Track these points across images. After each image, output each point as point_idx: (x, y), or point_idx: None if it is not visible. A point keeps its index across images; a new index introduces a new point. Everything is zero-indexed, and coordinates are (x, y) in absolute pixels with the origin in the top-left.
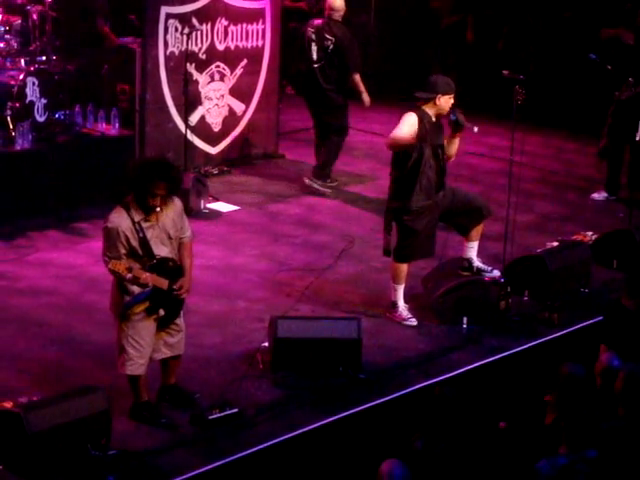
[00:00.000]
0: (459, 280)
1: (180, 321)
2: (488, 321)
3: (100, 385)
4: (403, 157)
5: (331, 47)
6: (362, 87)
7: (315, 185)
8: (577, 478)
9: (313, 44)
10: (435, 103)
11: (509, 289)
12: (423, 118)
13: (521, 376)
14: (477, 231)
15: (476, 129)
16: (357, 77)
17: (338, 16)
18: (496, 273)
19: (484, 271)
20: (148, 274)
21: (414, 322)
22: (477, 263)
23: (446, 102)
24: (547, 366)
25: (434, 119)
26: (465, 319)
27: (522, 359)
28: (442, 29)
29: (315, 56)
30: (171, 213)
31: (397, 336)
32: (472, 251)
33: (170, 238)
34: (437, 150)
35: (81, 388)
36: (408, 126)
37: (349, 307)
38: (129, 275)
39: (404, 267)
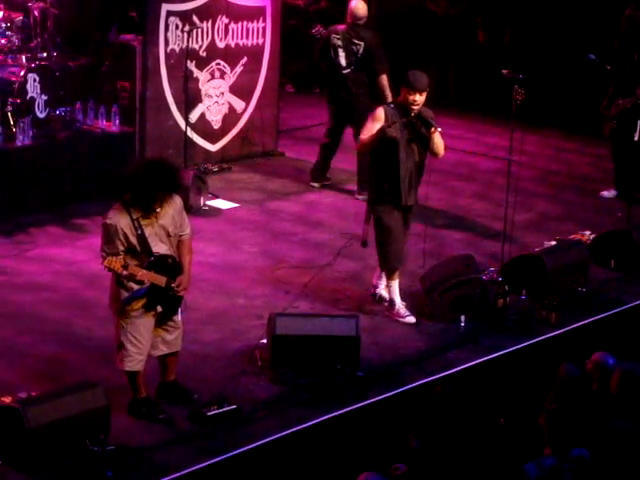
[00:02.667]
0: (457, 279)
1: (178, 318)
2: (486, 320)
3: (99, 381)
4: (377, 149)
5: (361, 51)
6: (388, 90)
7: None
8: (564, 479)
9: (340, 50)
10: (402, 96)
11: (507, 288)
12: (392, 111)
13: (518, 375)
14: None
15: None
16: (385, 78)
17: (362, 22)
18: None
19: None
20: (144, 271)
21: (412, 319)
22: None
23: (405, 96)
24: (544, 365)
25: (410, 113)
26: (463, 318)
27: (519, 358)
28: (440, 21)
29: (344, 62)
30: (170, 210)
31: (395, 334)
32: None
33: (169, 235)
34: (410, 144)
35: (80, 384)
36: (371, 122)
37: (348, 305)
38: (125, 272)
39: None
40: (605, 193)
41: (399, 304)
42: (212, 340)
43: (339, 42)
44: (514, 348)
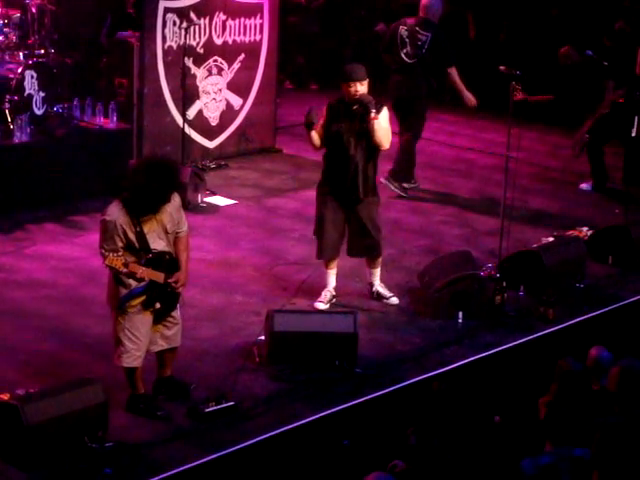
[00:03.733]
0: (455, 275)
1: (176, 314)
2: (483, 316)
3: (97, 377)
4: (325, 142)
5: (427, 44)
6: (460, 82)
7: (391, 186)
8: (561, 477)
9: (406, 41)
10: (343, 91)
11: (504, 284)
12: (335, 106)
13: (516, 371)
14: (372, 261)
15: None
16: (454, 71)
17: (433, 16)
18: (394, 301)
19: (384, 297)
20: (144, 269)
21: (321, 306)
22: (377, 287)
23: (346, 90)
24: (542, 361)
25: (353, 106)
26: (460, 314)
27: (517, 354)
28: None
29: (410, 53)
30: (169, 207)
31: (393, 330)
32: (373, 277)
33: (167, 232)
34: (358, 137)
35: (78, 380)
36: (317, 119)
37: (345, 301)
38: (125, 270)
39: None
40: (584, 186)
41: (327, 289)
42: (210, 337)
43: (406, 34)
44: (512, 344)
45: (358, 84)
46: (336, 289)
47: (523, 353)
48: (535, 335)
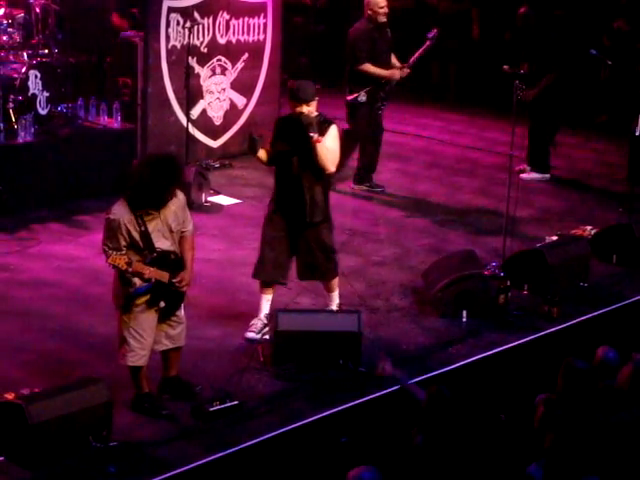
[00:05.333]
0: (459, 274)
1: (181, 313)
2: (488, 315)
3: (102, 377)
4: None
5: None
6: (380, 71)
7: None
8: None
9: None
10: (291, 109)
11: (509, 283)
12: (283, 122)
13: (520, 370)
14: (326, 284)
15: (315, 136)
16: (367, 67)
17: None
18: None
19: None
20: (150, 269)
21: (251, 335)
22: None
23: (292, 109)
24: (546, 360)
25: (304, 125)
26: (465, 313)
27: (521, 353)
28: (440, 17)
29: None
30: (173, 206)
31: (397, 329)
32: (329, 300)
33: (172, 231)
34: (295, 157)
35: (83, 380)
36: (260, 143)
37: (349, 300)
38: (129, 269)
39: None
40: (525, 176)
41: (259, 317)
42: (214, 336)
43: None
44: (516, 343)
45: (304, 105)
46: (267, 317)
47: (527, 352)
48: (539, 334)
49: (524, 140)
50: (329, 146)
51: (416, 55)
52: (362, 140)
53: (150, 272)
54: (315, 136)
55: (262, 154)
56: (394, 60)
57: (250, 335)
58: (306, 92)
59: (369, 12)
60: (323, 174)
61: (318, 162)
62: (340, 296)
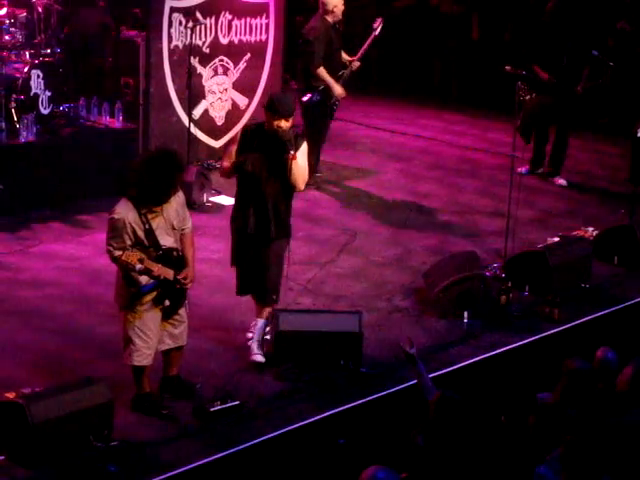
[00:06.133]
0: (460, 275)
1: (183, 312)
2: (489, 316)
3: (103, 376)
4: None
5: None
6: (330, 79)
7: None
8: None
9: None
10: (266, 120)
11: (510, 284)
12: (251, 132)
13: (521, 371)
14: (261, 308)
15: (292, 153)
16: (320, 71)
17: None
18: (258, 358)
19: (251, 351)
20: (159, 265)
21: (260, 359)
22: (253, 341)
23: (269, 121)
24: (547, 361)
25: (271, 139)
26: (466, 314)
27: (522, 354)
28: (441, 19)
29: None
30: (175, 204)
31: (398, 330)
32: (255, 327)
33: (174, 229)
34: (272, 172)
35: (84, 379)
36: (232, 144)
37: (350, 301)
38: (140, 266)
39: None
40: (522, 170)
41: (253, 340)
42: (216, 336)
43: None
44: (517, 344)
45: (283, 120)
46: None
47: (528, 353)
48: (540, 335)
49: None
50: (301, 164)
51: (364, 47)
52: (319, 139)
53: (159, 269)
54: (292, 153)
55: (226, 165)
56: (344, 55)
57: (258, 359)
58: (287, 106)
59: (327, 10)
60: (291, 190)
61: (291, 179)
62: (341, 296)
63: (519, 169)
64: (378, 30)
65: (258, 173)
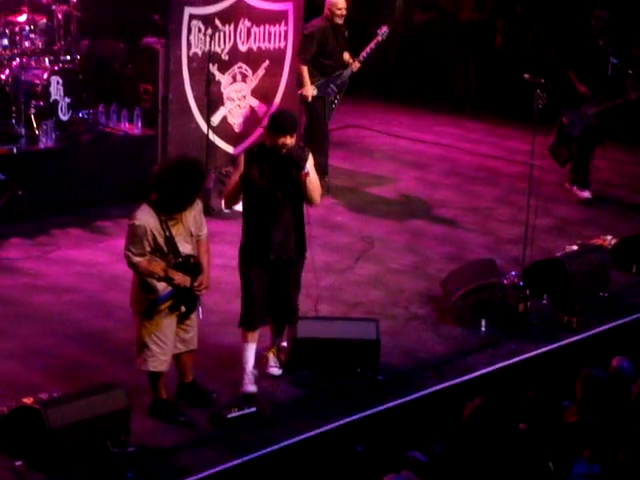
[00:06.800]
0: (478, 283)
1: (194, 316)
2: (507, 324)
3: (120, 382)
4: (244, 198)
5: None
6: (305, 79)
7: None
8: None
9: None
10: (269, 139)
11: (528, 292)
12: (255, 154)
13: (539, 379)
14: (283, 329)
15: (307, 170)
16: (301, 68)
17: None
18: (275, 371)
19: (268, 364)
20: (180, 274)
21: (252, 389)
22: (269, 353)
23: (272, 139)
24: (566, 370)
25: (279, 158)
26: (483, 322)
27: (540, 363)
28: (462, 27)
29: None
30: (193, 211)
31: (415, 338)
32: (273, 343)
33: (192, 235)
34: (283, 191)
35: (101, 385)
36: (234, 170)
37: (368, 308)
38: (162, 275)
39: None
40: (585, 194)
41: (247, 371)
42: (233, 343)
43: None
44: (535, 353)
45: (288, 137)
46: (255, 366)
47: (547, 362)
48: (559, 344)
49: (545, 149)
50: (313, 178)
51: (366, 50)
52: (318, 136)
53: (179, 277)
54: (305, 171)
55: (234, 191)
56: (347, 57)
57: (250, 388)
58: (291, 122)
59: (327, 12)
60: (303, 206)
61: (307, 196)
62: (358, 304)
63: (583, 194)
64: (382, 36)
65: (273, 196)
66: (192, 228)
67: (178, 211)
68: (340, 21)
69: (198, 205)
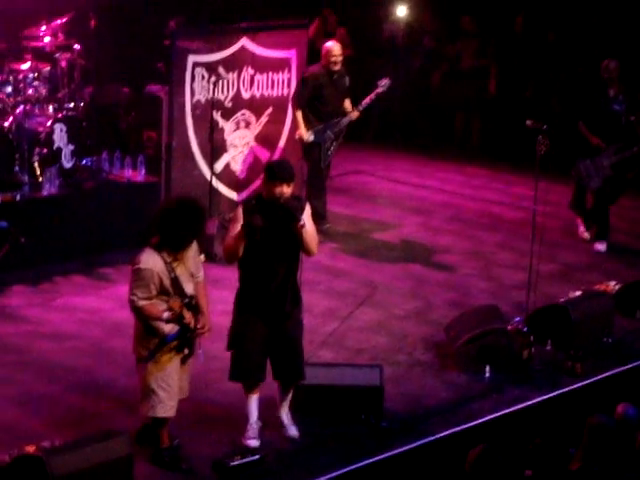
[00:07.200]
0: (482, 328)
1: (189, 362)
2: (511, 370)
3: (122, 430)
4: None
5: None
6: (300, 123)
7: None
8: None
9: None
10: (266, 190)
11: (532, 338)
12: (252, 206)
13: (544, 425)
14: (290, 386)
15: (302, 222)
16: (296, 113)
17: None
18: (293, 431)
19: (283, 426)
20: (190, 313)
21: (254, 443)
22: (282, 414)
23: (269, 189)
24: (570, 416)
25: (275, 208)
26: (487, 368)
27: (545, 409)
28: (463, 71)
29: None
30: (191, 252)
31: (419, 384)
32: (283, 402)
33: (192, 276)
34: (279, 242)
35: (103, 432)
36: (233, 224)
37: (371, 354)
38: (167, 314)
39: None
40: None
41: (250, 423)
42: (236, 389)
43: None
44: (540, 399)
45: (285, 185)
46: (261, 418)
47: (551, 408)
48: (563, 390)
49: (548, 194)
50: (310, 229)
51: (366, 100)
52: (314, 182)
53: (189, 316)
54: (302, 222)
55: (239, 243)
56: (347, 105)
57: (252, 442)
58: (287, 171)
59: (323, 59)
60: (299, 257)
61: (305, 247)
62: (362, 350)
63: (598, 247)
64: (383, 88)
65: (270, 247)
66: (192, 268)
67: (181, 250)
68: (336, 67)
69: (195, 245)
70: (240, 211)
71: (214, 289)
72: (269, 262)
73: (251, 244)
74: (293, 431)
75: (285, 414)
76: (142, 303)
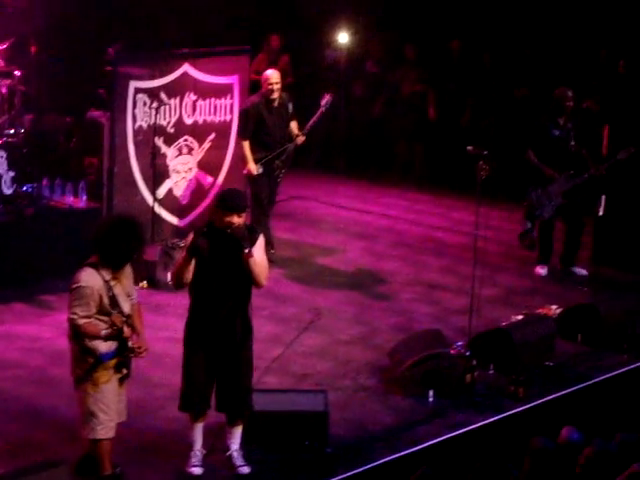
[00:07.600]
0: (425, 353)
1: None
2: (454, 395)
3: (64, 459)
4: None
5: None
6: (248, 156)
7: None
8: None
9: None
10: (217, 218)
11: (475, 362)
12: (205, 235)
13: (487, 450)
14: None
15: (247, 251)
16: (242, 144)
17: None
18: (244, 470)
19: (235, 465)
20: (129, 329)
21: (197, 471)
22: (233, 452)
23: (220, 218)
24: (513, 440)
25: (226, 237)
26: (431, 392)
27: (488, 433)
28: (403, 98)
29: None
30: (126, 272)
31: (364, 409)
32: (232, 437)
33: (129, 296)
34: (222, 272)
35: (43, 462)
36: (182, 250)
37: (316, 379)
38: (106, 331)
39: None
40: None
41: (194, 451)
42: (179, 417)
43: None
44: (482, 423)
45: (235, 215)
46: (205, 446)
47: (494, 432)
48: (505, 414)
49: (488, 220)
50: (259, 259)
51: (310, 123)
52: (263, 212)
53: (128, 331)
54: (247, 251)
55: (190, 268)
56: (294, 127)
57: (195, 470)
58: (238, 201)
59: (262, 87)
60: (250, 287)
61: (253, 278)
62: (307, 375)
63: (540, 271)
64: (325, 107)
65: (220, 275)
66: (128, 288)
67: (120, 267)
68: (274, 95)
69: (128, 267)
70: (191, 236)
71: (158, 315)
72: (217, 290)
73: (200, 271)
74: (244, 470)
75: (235, 451)
76: (82, 322)
